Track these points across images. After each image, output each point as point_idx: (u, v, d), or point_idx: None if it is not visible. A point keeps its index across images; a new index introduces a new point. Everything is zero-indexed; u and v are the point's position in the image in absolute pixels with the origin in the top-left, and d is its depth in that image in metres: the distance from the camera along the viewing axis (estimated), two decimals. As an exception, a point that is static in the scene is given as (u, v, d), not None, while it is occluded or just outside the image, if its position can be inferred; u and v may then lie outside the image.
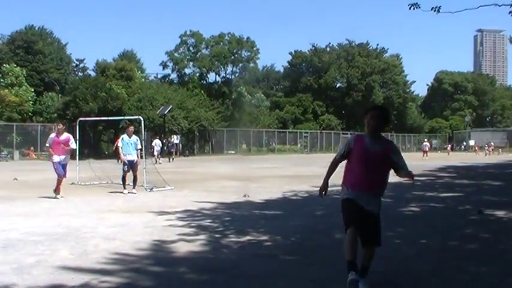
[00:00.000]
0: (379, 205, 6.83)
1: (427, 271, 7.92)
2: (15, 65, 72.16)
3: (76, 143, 23.84)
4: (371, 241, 6.71)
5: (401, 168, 6.89)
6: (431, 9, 19.34)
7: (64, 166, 17.95)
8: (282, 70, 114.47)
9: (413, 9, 19.37)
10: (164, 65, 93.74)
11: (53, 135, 18.42)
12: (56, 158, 17.75)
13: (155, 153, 46.04)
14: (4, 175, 27.49)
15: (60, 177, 17.68)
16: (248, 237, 10.48)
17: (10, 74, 70.27)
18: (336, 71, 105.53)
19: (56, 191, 17.59)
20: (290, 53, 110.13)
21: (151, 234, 10.66)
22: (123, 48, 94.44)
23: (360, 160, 6.72)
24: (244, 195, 17.95)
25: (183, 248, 9.36)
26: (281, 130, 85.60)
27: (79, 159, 23.91)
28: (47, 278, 7.36)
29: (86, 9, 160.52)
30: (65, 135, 18.19)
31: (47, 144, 18.51)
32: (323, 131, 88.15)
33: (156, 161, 42.65)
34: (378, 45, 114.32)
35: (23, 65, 75.43)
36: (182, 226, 11.72)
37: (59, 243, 9.80)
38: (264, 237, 10.53)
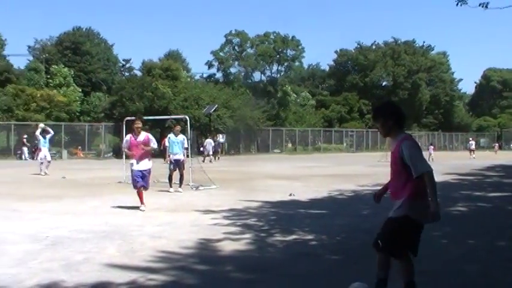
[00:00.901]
0: (399, 211, 5.98)
1: (474, 272, 7.81)
2: (63, 66, 73.18)
3: (123, 142, 24.12)
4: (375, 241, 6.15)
5: (412, 170, 5.90)
6: (479, 5, 19.09)
7: (145, 175, 15.06)
8: (327, 68, 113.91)
9: (461, 5, 19.14)
10: (209, 65, 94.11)
11: (128, 136, 15.48)
12: (135, 165, 15.03)
13: (206, 152, 46.30)
14: (53, 174, 27.89)
15: (137, 188, 14.96)
16: (293, 236, 10.46)
17: (58, 74, 71.29)
18: (381, 69, 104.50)
19: (141, 202, 14.88)
20: (335, 52, 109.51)
21: (197, 233, 10.71)
22: (168, 48, 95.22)
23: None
24: (290, 194, 17.91)
25: (228, 247, 9.39)
26: (327, 129, 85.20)
27: (125, 158, 24.14)
28: (94, 275, 7.44)
29: (132, 10, 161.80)
30: (144, 135, 15.32)
31: (124, 149, 15.85)
32: (369, 129, 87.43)
33: (210, 160, 42.94)
34: (424, 42, 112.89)
35: (71, 65, 76.40)
36: (227, 225, 11.75)
37: (106, 241, 9.90)
38: (309, 236, 10.50)
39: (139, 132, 15.21)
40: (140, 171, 14.96)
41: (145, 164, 15.10)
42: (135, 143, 15.12)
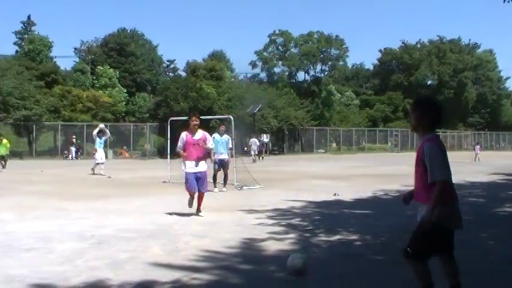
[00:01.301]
0: (427, 213, 5.51)
1: (522, 273, 7.67)
2: (108, 67, 74.02)
3: (167, 142, 24.26)
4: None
5: (429, 174, 5.58)
6: (527, 2, 18.75)
7: (200, 178, 13.58)
8: (371, 68, 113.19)
9: (508, 1, 18.83)
10: (253, 65, 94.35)
11: (184, 134, 13.66)
12: (190, 167, 13.50)
13: (252, 152, 46.39)
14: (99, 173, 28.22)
15: (192, 192, 13.51)
16: (338, 237, 10.40)
17: (104, 75, 72.12)
18: (426, 68, 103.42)
19: (198, 209, 13.60)
20: (380, 51, 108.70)
21: (241, 233, 10.71)
22: (212, 48, 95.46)
23: None
24: (334, 194, 17.83)
25: (272, 247, 9.37)
26: (371, 128, 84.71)
27: (170, 158, 24.27)
28: (139, 274, 7.49)
29: (176, 11, 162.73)
30: (201, 133, 13.78)
31: (178, 149, 13.83)
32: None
33: (253, 160, 43.03)
34: (470, 40, 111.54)
35: (116, 66, 77.22)
36: (272, 225, 11.73)
37: (150, 240, 9.96)
38: (354, 237, 10.43)
39: (196, 130, 13.65)
40: (195, 173, 13.44)
41: (202, 166, 13.69)
42: (192, 142, 13.53)
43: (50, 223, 12.07)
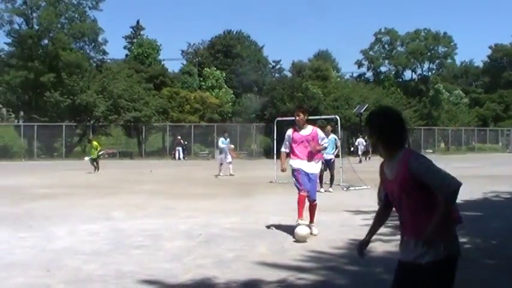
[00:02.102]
0: (435, 251, 4.22)
1: None
2: (215, 69, 75.05)
3: (274, 142, 24.36)
4: None
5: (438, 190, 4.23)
6: None
7: (312, 180, 11.33)
8: (481, 65, 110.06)
9: None
10: (359, 64, 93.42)
11: (290, 131, 11.60)
12: (296, 163, 11.37)
13: (359, 152, 46.11)
14: (206, 173, 28.68)
15: (304, 192, 11.10)
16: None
17: (211, 77, 73.17)
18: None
19: (311, 220, 11.25)
20: (490, 47, 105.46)
21: (347, 233, 10.65)
22: (318, 48, 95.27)
23: None
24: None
25: (379, 248, 9.26)
26: (481, 128, 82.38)
27: (276, 158, 24.40)
28: (245, 273, 7.57)
29: (280, 12, 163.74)
30: (310, 129, 11.48)
31: (283, 149, 11.79)
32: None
33: (359, 160, 42.74)
34: None
35: (223, 68, 78.16)
36: (378, 226, 11.58)
37: (256, 240, 10.05)
38: (463, 239, 10.17)
39: (303, 126, 11.45)
40: (307, 174, 11.23)
41: (314, 167, 11.45)
42: (299, 139, 11.35)
43: (159, 221, 12.37)
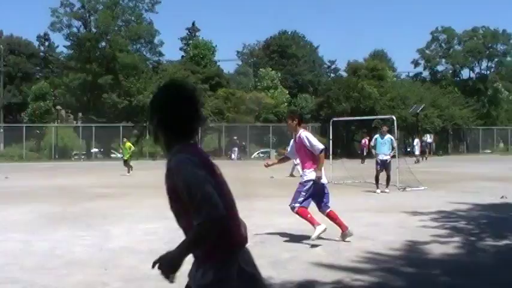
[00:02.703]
0: (206, 276, 3.34)
1: None
2: (270, 69, 75.21)
3: (329, 143, 24.27)
4: None
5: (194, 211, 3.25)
6: None
7: (321, 191, 10.37)
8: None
9: None
10: (415, 63, 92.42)
11: (292, 140, 11.15)
12: (309, 174, 10.20)
13: (416, 152, 45.70)
14: (260, 174, 28.74)
15: (294, 209, 10.30)
16: (506, 242, 10.01)
17: (266, 77, 73.36)
18: None
19: (343, 232, 10.21)
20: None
21: (404, 235, 10.56)
22: (373, 47, 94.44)
23: None
24: (502, 197, 17.13)
25: (436, 250, 9.17)
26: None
27: (332, 158, 24.32)
28: (300, 273, 7.58)
29: (335, 11, 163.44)
30: (299, 133, 10.57)
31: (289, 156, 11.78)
32: None
33: (417, 160, 42.31)
34: None
35: (278, 68, 78.30)
36: (435, 227, 11.48)
37: (312, 241, 10.02)
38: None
39: (294, 131, 10.73)
40: (300, 183, 10.47)
41: (307, 175, 10.26)
42: (295, 146, 10.76)
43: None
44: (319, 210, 10.44)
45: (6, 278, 7.63)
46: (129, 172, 30.98)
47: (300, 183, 10.36)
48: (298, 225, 11.78)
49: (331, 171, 23.35)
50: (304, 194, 10.14)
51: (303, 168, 10.38)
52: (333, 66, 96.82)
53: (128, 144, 32.38)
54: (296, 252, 9.10)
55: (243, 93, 64.72)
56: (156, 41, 65.97)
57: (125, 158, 31.89)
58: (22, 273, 7.49)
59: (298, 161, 26.44)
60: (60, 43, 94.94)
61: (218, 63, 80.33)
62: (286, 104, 71.77)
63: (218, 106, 60.20)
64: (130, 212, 14.57)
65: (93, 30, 62.54)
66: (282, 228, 11.42)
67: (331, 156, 24.49)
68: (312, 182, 10.07)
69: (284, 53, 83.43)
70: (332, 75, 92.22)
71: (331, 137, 25.76)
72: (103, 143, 59.07)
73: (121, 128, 55.23)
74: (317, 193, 10.21)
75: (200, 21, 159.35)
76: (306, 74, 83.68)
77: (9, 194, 19.54)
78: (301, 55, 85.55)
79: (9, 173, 29.95)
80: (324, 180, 10.26)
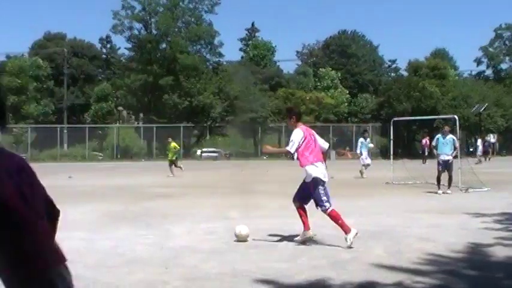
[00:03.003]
0: None
1: None
2: (330, 69, 74.93)
3: (390, 143, 24.04)
4: None
5: None
6: None
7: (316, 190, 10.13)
8: None
9: None
10: (478, 62, 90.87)
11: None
12: (309, 171, 10.18)
13: (478, 152, 45.01)
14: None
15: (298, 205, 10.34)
16: None
17: (326, 77, 73.12)
18: None
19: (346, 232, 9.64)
20: None
21: (466, 237, 10.38)
22: (434, 46, 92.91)
23: None
24: None
25: (500, 253, 8.98)
26: None
27: (393, 158, 24.10)
28: (360, 274, 7.51)
29: (395, 10, 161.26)
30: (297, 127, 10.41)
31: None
32: None
33: (479, 161, 41.66)
34: None
35: (338, 68, 77.93)
36: (499, 229, 11.24)
37: (372, 241, 9.96)
38: None
39: (294, 128, 10.38)
40: (308, 185, 10.25)
41: (308, 173, 10.21)
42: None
43: (274, 221, 12.45)
44: (293, 200, 10.47)
45: (70, 276, 7.75)
46: (172, 173, 29.88)
47: (307, 185, 10.26)
48: (357, 225, 11.68)
49: (392, 172, 23.15)
50: (322, 192, 10.08)
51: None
52: (393, 66, 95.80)
53: (173, 144, 31.81)
54: (356, 252, 9.02)
55: (302, 93, 64.63)
56: (215, 42, 66.44)
57: (170, 159, 31.18)
58: (85, 271, 7.60)
59: (369, 161, 26.25)
60: (122, 45, 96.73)
61: (278, 64, 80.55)
62: (346, 103, 71.43)
63: (278, 106, 60.26)
64: (189, 211, 14.67)
65: (154, 32, 63.42)
66: (338, 228, 11.33)
67: (391, 157, 24.29)
68: (315, 177, 10.07)
69: (344, 53, 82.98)
70: (392, 74, 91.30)
71: (391, 137, 25.53)
72: (164, 143, 59.79)
73: (181, 128, 55.79)
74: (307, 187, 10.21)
75: (259, 21, 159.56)
76: (366, 74, 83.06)
77: (72, 193, 19.88)
78: (361, 54, 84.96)
79: (73, 172, 30.51)
80: (308, 179, 10.16)
